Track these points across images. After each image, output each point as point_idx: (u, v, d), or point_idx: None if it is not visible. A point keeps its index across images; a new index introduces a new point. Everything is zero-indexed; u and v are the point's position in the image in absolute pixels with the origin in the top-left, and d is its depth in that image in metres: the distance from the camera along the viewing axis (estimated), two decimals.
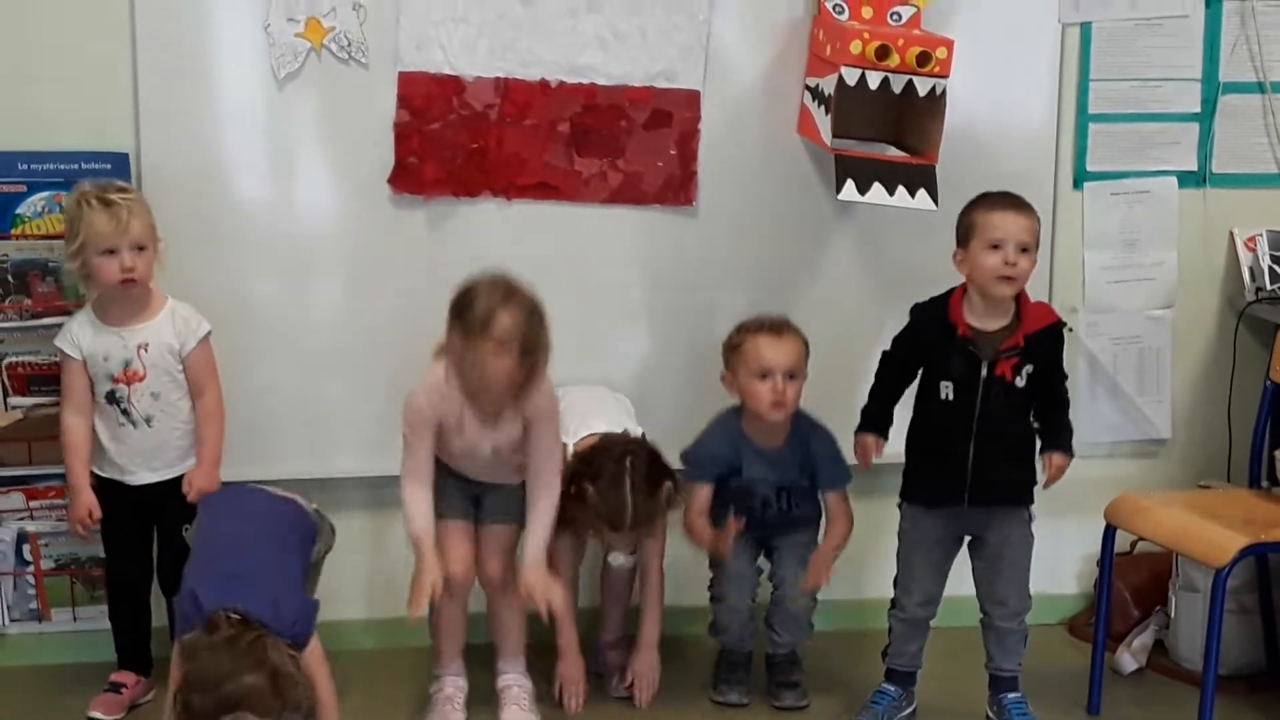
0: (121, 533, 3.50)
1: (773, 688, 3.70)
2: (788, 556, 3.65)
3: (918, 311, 3.46)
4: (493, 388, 3.26)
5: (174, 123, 3.59)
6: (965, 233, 3.36)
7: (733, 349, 3.58)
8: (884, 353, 3.55)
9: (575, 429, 3.55)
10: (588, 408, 3.63)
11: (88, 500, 3.43)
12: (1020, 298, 3.36)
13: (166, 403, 3.41)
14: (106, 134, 3.58)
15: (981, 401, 3.35)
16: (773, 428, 3.58)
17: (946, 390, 3.37)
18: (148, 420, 3.40)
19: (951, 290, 3.41)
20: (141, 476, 3.44)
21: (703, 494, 3.61)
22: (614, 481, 3.40)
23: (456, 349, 3.26)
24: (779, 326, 3.56)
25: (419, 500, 3.37)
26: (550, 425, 3.41)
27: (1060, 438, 3.45)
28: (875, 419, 3.52)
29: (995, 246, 3.29)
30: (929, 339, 3.41)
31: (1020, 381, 3.35)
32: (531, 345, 3.23)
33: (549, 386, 3.37)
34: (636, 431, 3.57)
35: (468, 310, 3.23)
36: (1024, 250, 3.30)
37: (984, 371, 3.34)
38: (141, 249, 3.32)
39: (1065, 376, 3.47)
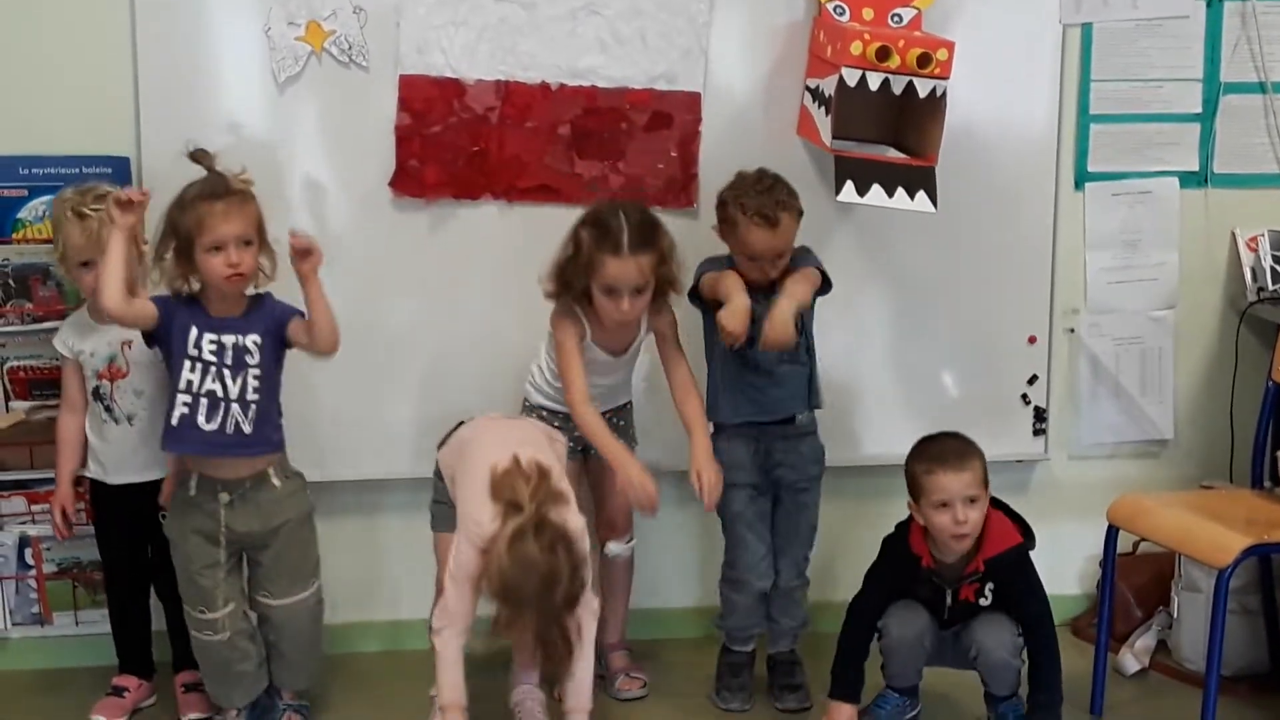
0: (113, 536, 3.52)
1: (775, 690, 3.70)
2: (787, 532, 3.64)
3: (888, 540, 3.47)
4: None
5: (175, 127, 3.58)
6: (912, 486, 3.36)
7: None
8: (855, 600, 3.50)
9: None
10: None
11: (62, 495, 3.46)
12: (985, 525, 3.34)
13: (149, 400, 3.40)
14: (107, 138, 3.59)
15: (949, 618, 3.42)
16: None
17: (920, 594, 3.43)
18: (129, 418, 3.41)
19: (910, 522, 3.41)
20: (120, 476, 3.43)
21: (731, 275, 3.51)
22: (608, 210, 3.43)
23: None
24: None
25: (454, 664, 3.19)
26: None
27: (1045, 708, 3.38)
28: (847, 686, 3.46)
29: (943, 505, 3.30)
30: (895, 573, 3.43)
31: (985, 600, 3.39)
32: None
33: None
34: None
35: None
36: (972, 501, 3.29)
37: (949, 599, 3.39)
38: None
39: (1043, 592, 3.42)
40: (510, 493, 3.07)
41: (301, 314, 3.27)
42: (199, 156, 3.23)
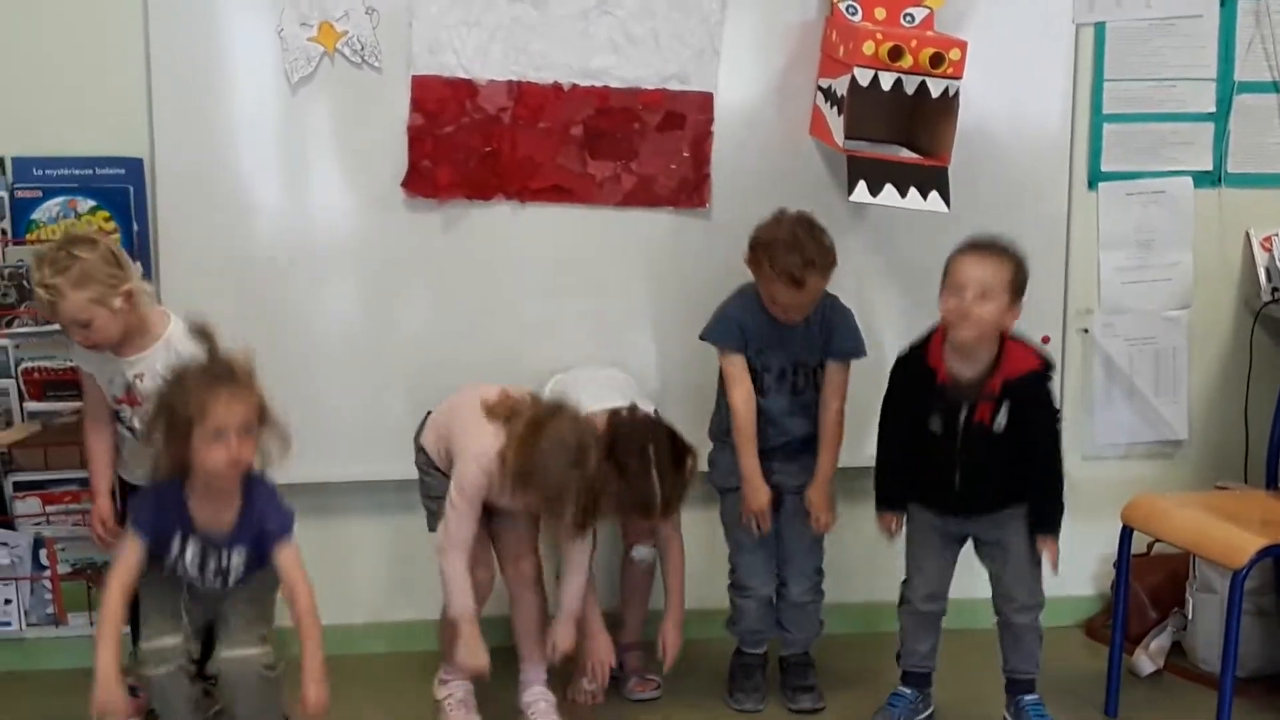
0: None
1: (788, 691, 3.70)
2: (794, 546, 3.65)
3: (901, 359, 3.47)
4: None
5: (188, 128, 3.60)
6: (943, 277, 3.36)
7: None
8: (880, 423, 3.52)
9: (589, 401, 3.50)
10: (599, 383, 3.61)
11: (102, 508, 3.41)
12: (1004, 343, 3.34)
13: None
14: (121, 139, 3.59)
15: (963, 442, 3.37)
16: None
17: (935, 423, 3.39)
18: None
19: (932, 333, 3.40)
20: (138, 478, 3.41)
21: (739, 368, 3.57)
22: (641, 473, 3.39)
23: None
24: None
25: (462, 575, 3.31)
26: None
27: (1047, 520, 3.41)
28: (892, 499, 3.50)
29: (955, 289, 3.29)
30: (910, 386, 3.43)
31: (999, 426, 3.35)
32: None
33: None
34: (648, 406, 3.56)
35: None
36: (983, 297, 3.27)
37: (963, 416, 3.36)
38: (86, 322, 3.17)
39: (1055, 424, 3.44)
40: (507, 410, 3.25)
41: (289, 537, 3.09)
42: (201, 333, 3.11)
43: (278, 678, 3.17)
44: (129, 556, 3.06)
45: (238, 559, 3.10)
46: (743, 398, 3.56)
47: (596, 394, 3.53)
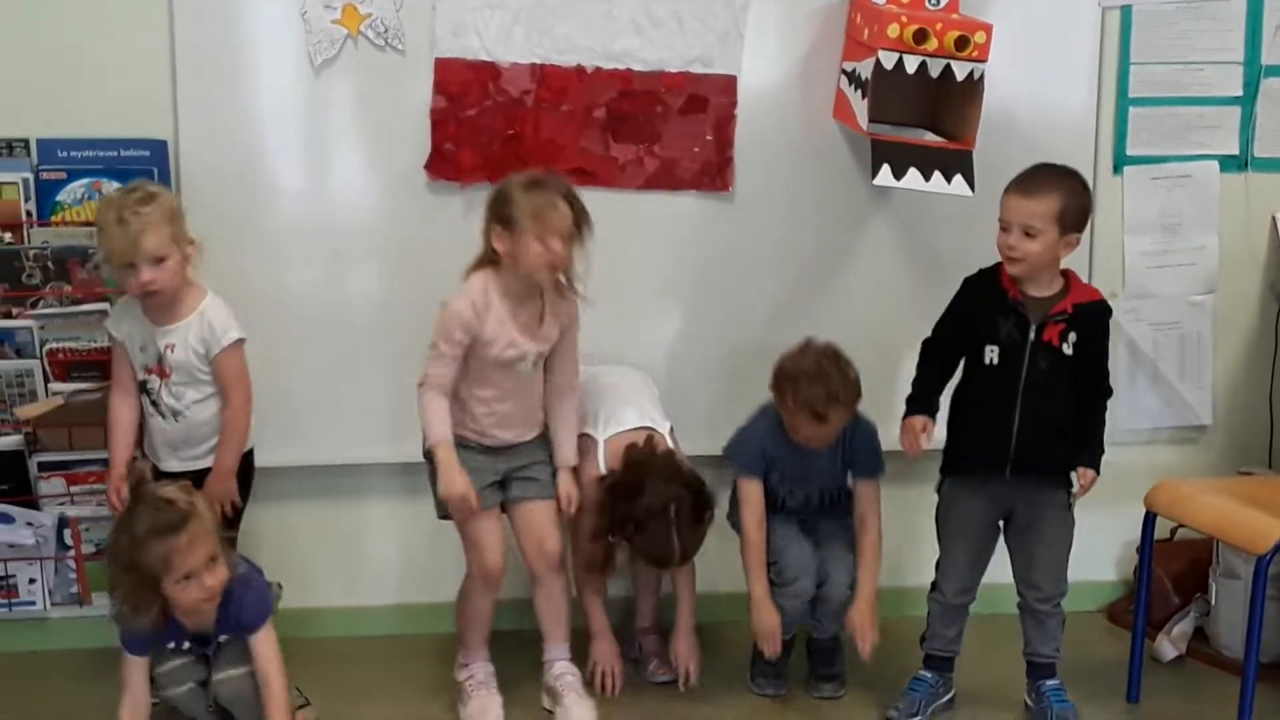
0: None
1: (813, 678, 3.70)
2: (833, 545, 3.64)
3: (969, 279, 3.46)
4: (556, 264, 3.31)
5: (212, 110, 3.61)
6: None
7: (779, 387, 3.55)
8: (925, 341, 3.53)
9: (605, 421, 3.55)
10: (616, 396, 3.63)
11: (117, 478, 3.43)
12: (1069, 275, 3.37)
13: (191, 401, 3.39)
14: (145, 121, 3.60)
15: (1029, 366, 3.34)
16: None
17: (992, 355, 3.37)
18: (174, 414, 3.40)
19: (1000, 262, 3.39)
20: (171, 465, 3.43)
21: (754, 494, 3.60)
22: (661, 533, 3.42)
23: (507, 245, 3.31)
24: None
25: (440, 409, 3.35)
26: (575, 334, 3.48)
27: (1091, 450, 3.42)
28: (921, 402, 3.49)
29: (1004, 228, 3.30)
30: (978, 303, 3.40)
31: (1067, 349, 3.34)
32: (581, 216, 3.33)
33: (576, 301, 3.44)
34: (664, 425, 3.58)
35: (509, 205, 3.29)
36: (1028, 234, 3.27)
37: (1032, 335, 3.34)
38: (161, 259, 3.26)
39: (1106, 361, 3.45)
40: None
41: (265, 626, 3.17)
42: (138, 484, 3.23)
43: None
44: (135, 684, 3.16)
45: (225, 639, 3.19)
46: (755, 521, 3.58)
47: (613, 410, 3.57)
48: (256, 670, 3.17)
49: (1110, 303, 3.71)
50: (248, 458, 3.47)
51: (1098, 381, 3.43)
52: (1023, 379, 3.34)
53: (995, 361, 3.36)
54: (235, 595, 3.14)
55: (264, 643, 3.17)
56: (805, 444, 3.54)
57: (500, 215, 3.31)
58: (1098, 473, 3.42)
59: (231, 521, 3.36)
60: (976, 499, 3.46)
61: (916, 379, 3.52)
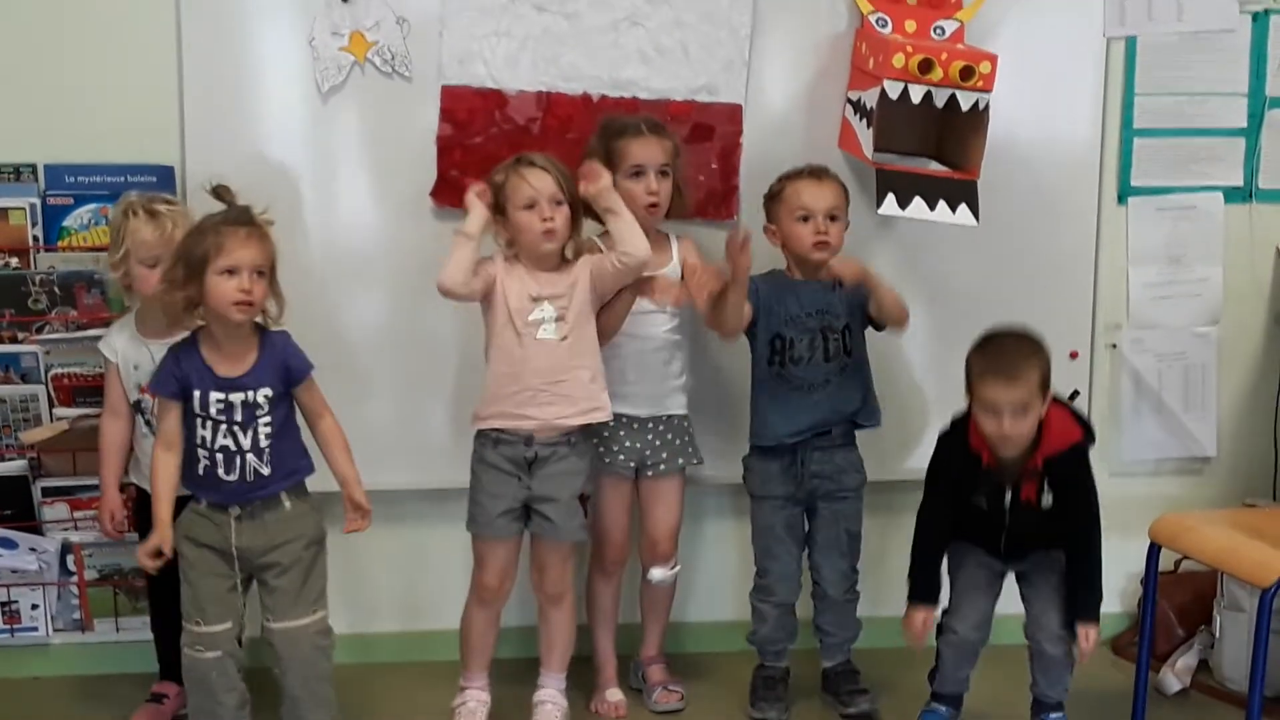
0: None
1: (842, 696, 3.69)
2: (826, 542, 3.65)
3: (943, 437, 3.46)
4: (552, 230, 3.36)
5: (218, 136, 3.62)
6: (968, 381, 3.34)
7: (773, 197, 3.61)
8: (919, 517, 3.50)
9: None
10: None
11: (111, 501, 3.45)
12: (1043, 421, 3.32)
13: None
14: (152, 147, 3.62)
15: (1011, 520, 3.39)
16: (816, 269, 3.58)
17: (980, 501, 3.40)
18: None
19: (967, 415, 3.38)
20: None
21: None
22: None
23: (508, 232, 3.40)
24: (818, 172, 3.60)
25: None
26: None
27: (1085, 603, 3.40)
28: (923, 589, 3.46)
29: (992, 412, 3.27)
30: (955, 466, 3.41)
31: (1046, 501, 3.36)
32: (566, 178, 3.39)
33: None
34: None
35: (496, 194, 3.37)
36: (1023, 411, 3.24)
37: (1009, 496, 3.36)
38: None
39: (1092, 497, 3.40)
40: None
41: (310, 375, 3.24)
42: (221, 192, 3.20)
43: (330, 647, 3.25)
44: (169, 423, 3.18)
45: (263, 396, 3.16)
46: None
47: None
48: (307, 413, 3.25)
49: (1113, 334, 3.74)
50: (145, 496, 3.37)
51: (1082, 522, 3.40)
52: (1007, 524, 3.40)
53: (983, 506, 3.40)
54: (279, 342, 3.20)
55: (311, 388, 3.24)
56: (810, 215, 3.56)
57: (495, 208, 3.38)
58: (1097, 622, 3.39)
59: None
60: (985, 556, 3.48)
61: (917, 560, 3.50)
